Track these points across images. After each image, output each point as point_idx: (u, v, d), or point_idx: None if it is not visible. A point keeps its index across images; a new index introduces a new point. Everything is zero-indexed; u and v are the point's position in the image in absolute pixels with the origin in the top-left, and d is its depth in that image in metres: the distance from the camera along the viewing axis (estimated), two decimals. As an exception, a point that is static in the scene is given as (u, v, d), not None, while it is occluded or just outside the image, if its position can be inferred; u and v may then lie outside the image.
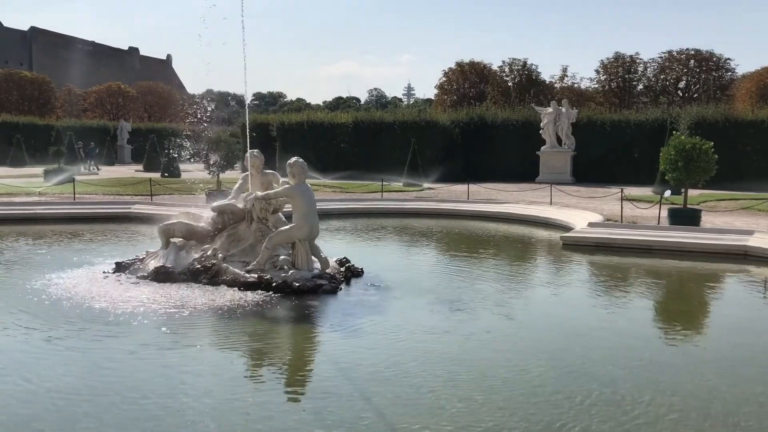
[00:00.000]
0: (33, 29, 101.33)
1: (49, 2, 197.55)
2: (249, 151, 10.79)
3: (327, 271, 9.81)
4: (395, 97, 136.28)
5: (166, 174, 34.72)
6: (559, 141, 33.60)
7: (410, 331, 7.60)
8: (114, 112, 71.15)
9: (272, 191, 10.05)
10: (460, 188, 24.86)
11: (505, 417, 5.22)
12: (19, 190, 23.33)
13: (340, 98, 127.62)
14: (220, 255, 9.90)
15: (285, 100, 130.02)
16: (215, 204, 10.73)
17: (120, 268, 10.27)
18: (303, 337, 7.61)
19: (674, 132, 17.87)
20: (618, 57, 55.70)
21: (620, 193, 16.73)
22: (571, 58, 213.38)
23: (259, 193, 10.15)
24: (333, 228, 16.43)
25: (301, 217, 9.64)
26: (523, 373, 6.24)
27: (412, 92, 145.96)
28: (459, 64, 60.72)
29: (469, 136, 36.54)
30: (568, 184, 30.09)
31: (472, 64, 60.19)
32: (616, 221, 15.68)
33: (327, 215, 18.65)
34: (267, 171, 10.86)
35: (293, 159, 9.87)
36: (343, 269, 10.22)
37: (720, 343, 7.60)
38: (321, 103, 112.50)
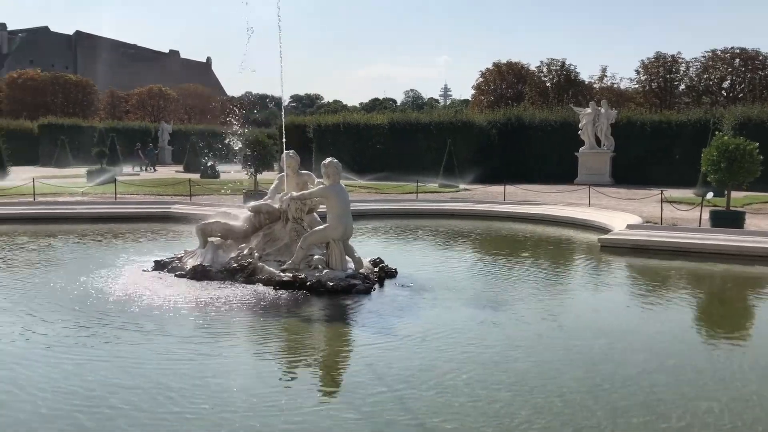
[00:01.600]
0: (78, 33, 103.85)
1: (93, 7, 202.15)
2: (285, 152, 10.89)
3: (361, 271, 9.83)
4: (431, 98, 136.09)
5: (206, 175, 35.23)
6: (598, 142, 33.16)
7: (443, 332, 7.57)
8: (155, 113, 72.44)
9: (307, 191, 10.12)
10: (497, 189, 24.70)
11: (537, 421, 5.16)
12: (63, 190, 23.92)
13: (376, 100, 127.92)
14: (256, 254, 10.00)
15: (322, 101, 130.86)
16: (252, 204, 10.85)
17: (159, 266, 10.46)
18: (336, 337, 7.63)
19: (717, 132, 17.48)
20: (659, 57, 54.68)
21: (660, 195, 16.39)
22: (611, 58, 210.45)
23: (295, 194, 10.23)
24: (368, 228, 16.47)
25: (335, 217, 9.69)
26: (558, 376, 6.16)
27: (449, 93, 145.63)
28: (496, 65, 60.36)
29: (507, 136, 36.26)
30: (607, 185, 29.64)
31: (510, 65, 59.76)
32: (655, 223, 15.38)
33: (362, 216, 18.72)
34: (303, 172, 10.95)
35: (328, 159, 9.92)
36: (376, 269, 10.23)
37: (763, 348, 7.40)
38: (357, 105, 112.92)
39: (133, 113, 72.79)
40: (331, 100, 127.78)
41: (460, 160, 31.48)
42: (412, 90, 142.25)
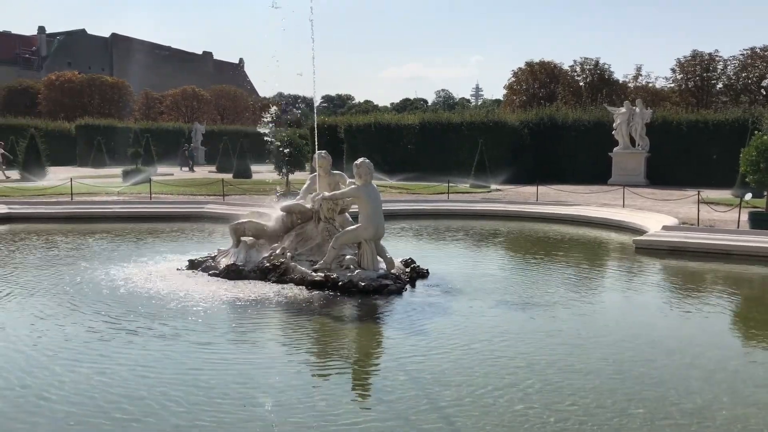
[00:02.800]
0: (114, 36, 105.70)
1: (129, 10, 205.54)
2: (317, 152, 10.93)
3: (392, 271, 9.83)
4: (463, 98, 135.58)
5: (238, 175, 35.59)
6: (633, 142, 32.71)
7: (475, 333, 7.55)
8: (188, 114, 73.36)
9: (339, 191, 10.15)
10: (529, 190, 24.49)
11: (567, 424, 5.11)
12: (99, 190, 24.35)
13: (407, 100, 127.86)
14: (288, 254, 10.06)
15: (353, 102, 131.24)
16: (284, 204, 10.91)
17: (193, 265, 10.58)
18: (368, 336, 7.64)
19: (756, 132, 17.08)
20: (696, 55, 53.70)
21: (697, 196, 16.08)
22: (646, 57, 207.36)
23: (327, 194, 10.27)
24: (398, 229, 16.46)
25: (366, 217, 9.70)
26: (591, 379, 6.09)
27: (481, 93, 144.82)
28: (529, 64, 59.88)
29: (539, 136, 35.93)
30: (642, 186, 29.23)
31: (542, 64, 59.23)
32: (692, 225, 15.10)
33: (393, 216, 18.69)
34: (334, 172, 10.98)
35: (360, 160, 9.94)
36: (408, 270, 10.22)
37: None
38: (388, 105, 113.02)
39: (167, 114, 73.81)
40: (362, 101, 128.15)
41: (491, 161, 31.28)
42: (443, 90, 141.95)
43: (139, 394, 5.58)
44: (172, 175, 38.09)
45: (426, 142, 37.11)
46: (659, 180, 30.85)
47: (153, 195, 22.12)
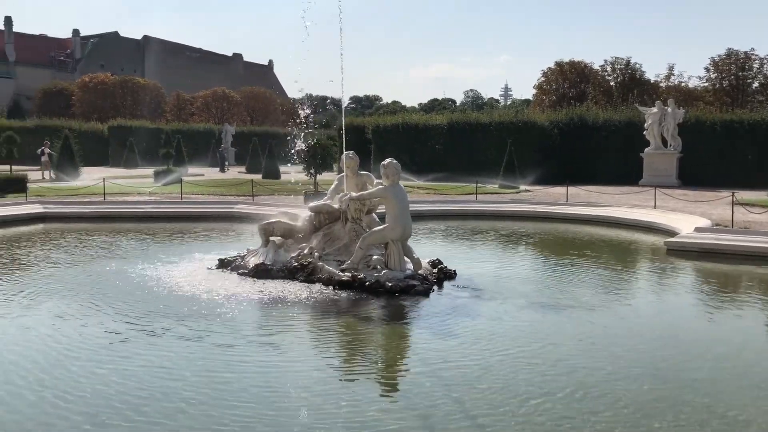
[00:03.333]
0: (146, 38, 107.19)
1: (161, 12, 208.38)
2: (345, 152, 10.97)
3: (420, 272, 9.82)
4: (491, 98, 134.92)
5: (268, 176, 35.86)
6: (665, 142, 32.26)
7: (501, 334, 7.51)
8: (219, 116, 74.09)
9: (366, 192, 10.17)
10: (558, 190, 24.25)
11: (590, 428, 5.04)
12: (131, 190, 24.73)
13: (435, 100, 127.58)
14: (316, 254, 10.11)
15: (381, 102, 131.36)
16: (312, 204, 10.98)
17: (222, 264, 10.69)
18: (394, 337, 7.63)
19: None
20: (731, 54, 52.70)
21: (731, 197, 15.78)
22: (678, 56, 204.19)
23: (354, 194, 10.30)
24: (426, 229, 16.43)
25: (393, 217, 9.70)
26: (618, 381, 6.00)
27: (510, 93, 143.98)
28: (558, 64, 59.35)
29: (569, 137, 35.58)
30: (674, 187, 28.78)
31: (572, 64, 58.66)
32: (726, 226, 14.83)
33: (420, 217, 18.66)
34: (362, 172, 11.01)
35: (387, 160, 9.94)
36: (435, 271, 10.20)
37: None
38: (416, 106, 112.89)
39: (197, 115, 74.63)
40: (390, 101, 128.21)
41: (520, 161, 31.08)
42: (471, 90, 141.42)
43: (157, 396, 5.60)
44: (203, 175, 38.50)
45: (454, 142, 36.98)
46: (692, 181, 30.33)
47: (184, 195, 22.40)
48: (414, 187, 28.83)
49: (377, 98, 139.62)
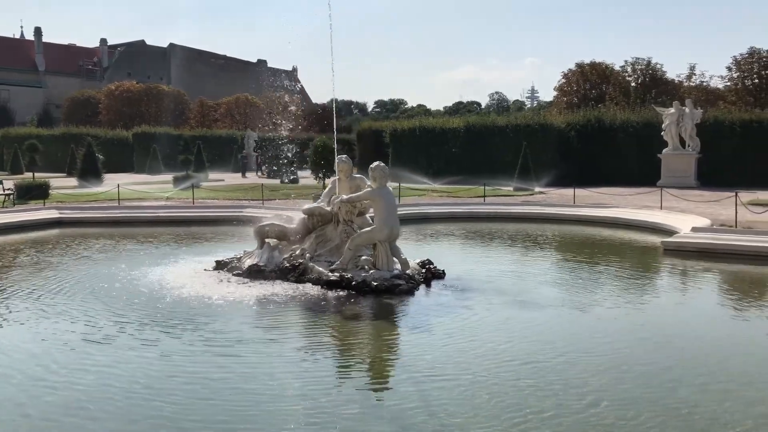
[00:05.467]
0: (171, 45, 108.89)
1: (186, 20, 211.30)
2: (338, 157, 11.25)
3: (408, 272, 10.03)
4: (517, 100, 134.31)
5: (286, 180, 36.34)
6: (683, 143, 32.01)
7: (476, 332, 7.68)
8: (242, 122, 74.99)
9: (355, 195, 10.42)
10: (572, 192, 24.20)
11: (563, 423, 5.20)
12: (148, 196, 25.29)
13: (460, 103, 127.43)
14: (307, 255, 10.39)
15: (405, 106, 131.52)
16: (305, 207, 11.26)
17: (219, 265, 11.02)
18: (374, 334, 7.87)
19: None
20: (753, 52, 51.88)
21: (735, 197, 15.68)
22: (700, 55, 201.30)
23: (344, 197, 10.56)
24: (431, 231, 16.62)
25: (381, 219, 9.95)
26: (593, 381, 6.10)
27: (536, 95, 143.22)
28: (579, 65, 59.01)
29: (586, 138, 35.44)
30: (692, 188, 28.57)
31: (593, 65, 58.27)
32: (730, 226, 14.78)
33: (427, 219, 18.94)
34: (355, 175, 11.25)
35: (375, 164, 10.21)
36: (423, 271, 10.40)
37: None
38: (441, 109, 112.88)
39: (221, 122, 75.63)
40: (415, 105, 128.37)
41: (537, 163, 31.12)
42: (496, 92, 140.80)
43: (138, 392, 5.85)
44: (223, 181, 39.08)
45: (471, 145, 37.04)
46: (711, 181, 29.99)
47: (198, 200, 22.87)
48: (428, 191, 29.03)
49: (402, 102, 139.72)
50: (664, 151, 32.12)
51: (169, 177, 36.87)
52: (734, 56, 53.33)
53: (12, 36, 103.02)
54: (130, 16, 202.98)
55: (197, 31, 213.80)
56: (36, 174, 33.90)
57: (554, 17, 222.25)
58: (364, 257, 10.13)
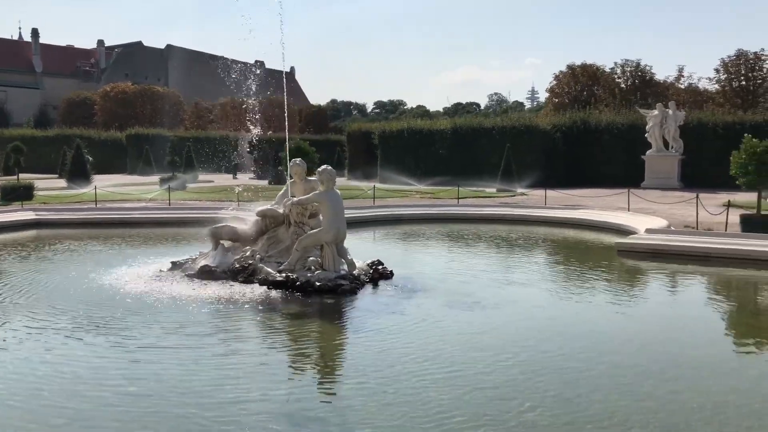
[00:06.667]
0: (169, 47, 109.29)
1: (183, 22, 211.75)
2: (292, 160, 11.51)
3: (355, 272, 10.31)
4: (516, 101, 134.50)
5: (273, 181, 36.60)
6: (666, 145, 32.32)
7: (410, 330, 7.93)
8: (237, 123, 75.27)
9: (304, 197, 10.70)
10: (553, 194, 24.42)
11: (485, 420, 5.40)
12: (131, 197, 25.60)
13: (459, 104, 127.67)
14: (258, 256, 10.68)
15: (405, 107, 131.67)
16: (258, 209, 11.55)
17: (175, 266, 11.28)
18: (299, 332, 8.06)
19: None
20: (740, 54, 52.11)
21: (695, 199, 15.97)
22: (689, 57, 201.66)
23: (295, 199, 10.84)
24: (398, 232, 16.91)
25: (328, 221, 10.23)
26: (515, 379, 6.29)
27: (537, 96, 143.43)
28: (570, 67, 59.31)
29: (572, 140, 35.80)
30: (676, 189, 28.87)
31: (584, 67, 58.57)
32: (692, 227, 15.04)
33: (400, 221, 19.24)
34: (310, 178, 11.50)
35: (322, 167, 10.49)
36: (371, 271, 10.67)
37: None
38: (440, 110, 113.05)
39: (216, 123, 75.94)
40: (414, 106, 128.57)
41: (521, 165, 31.47)
42: (496, 93, 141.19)
43: (78, 394, 5.99)
44: (213, 182, 39.37)
45: (458, 146, 37.36)
46: (695, 183, 30.24)
47: (181, 201, 23.17)
48: (412, 192, 29.32)
49: (401, 103, 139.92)
50: (647, 152, 32.46)
51: (159, 178, 37.19)
52: (722, 58, 53.66)
53: (10, 37, 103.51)
54: (128, 18, 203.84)
55: (195, 32, 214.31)
56: (29, 175, 34.31)
57: (554, 18, 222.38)
58: (311, 258, 10.40)
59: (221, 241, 11.34)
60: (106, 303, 9.13)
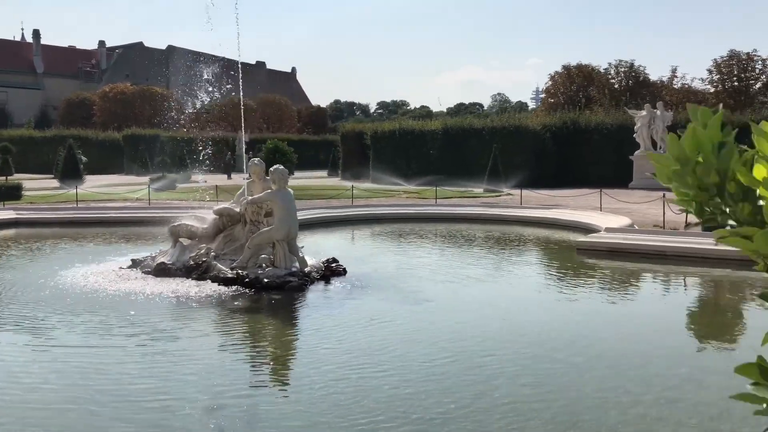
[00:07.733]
0: (170, 47, 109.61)
1: (185, 23, 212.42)
2: (251, 160, 11.75)
3: (306, 269, 10.52)
4: (519, 101, 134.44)
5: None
6: (655, 145, 32.38)
7: (350, 324, 8.16)
8: (235, 124, 75.59)
9: (257, 196, 10.92)
10: (538, 194, 24.57)
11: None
12: (117, 197, 25.86)
13: (461, 104, 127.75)
14: (212, 253, 10.91)
15: (407, 108, 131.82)
16: (216, 207, 11.78)
17: (134, 263, 11.52)
18: (243, 328, 8.32)
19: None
20: (733, 55, 52.07)
21: (662, 198, 16.08)
22: (683, 58, 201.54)
23: (250, 198, 11.05)
24: (370, 232, 17.08)
25: (279, 219, 10.45)
26: (455, 371, 6.51)
27: (541, 96, 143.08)
28: (566, 67, 59.36)
29: (562, 140, 35.87)
30: (664, 189, 28.70)
31: (579, 67, 58.63)
32: (658, 227, 15.19)
33: (377, 220, 19.43)
34: (268, 178, 11.72)
35: (274, 167, 10.72)
36: (324, 269, 10.88)
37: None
38: (444, 110, 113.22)
39: (215, 123, 76.18)
40: (418, 106, 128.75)
41: (509, 165, 31.56)
42: (499, 94, 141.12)
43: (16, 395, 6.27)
44: (205, 182, 39.57)
45: (448, 147, 37.49)
46: (682, 183, 30.31)
47: (161, 201, 23.41)
48: (400, 192, 29.50)
49: (404, 103, 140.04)
50: (636, 152, 32.52)
51: (149, 178, 37.48)
52: (715, 59, 53.64)
53: (12, 38, 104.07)
54: (129, 19, 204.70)
55: (196, 34, 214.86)
56: (25, 175, 34.70)
57: (554, 18, 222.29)
58: (263, 256, 10.62)
59: (180, 239, 11.56)
60: (50, 301, 9.28)
